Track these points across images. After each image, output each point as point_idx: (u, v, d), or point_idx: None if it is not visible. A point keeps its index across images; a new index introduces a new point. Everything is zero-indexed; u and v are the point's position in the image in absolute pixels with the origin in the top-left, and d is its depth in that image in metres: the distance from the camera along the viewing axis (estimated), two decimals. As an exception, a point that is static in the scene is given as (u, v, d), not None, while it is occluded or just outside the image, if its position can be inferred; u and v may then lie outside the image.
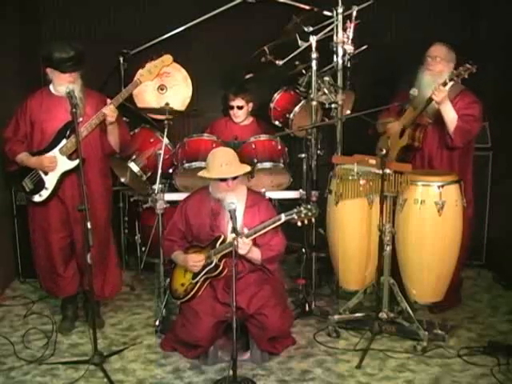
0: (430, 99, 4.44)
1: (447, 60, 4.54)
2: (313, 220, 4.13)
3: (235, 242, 3.83)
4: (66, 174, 4.36)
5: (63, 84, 4.24)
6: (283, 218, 4.06)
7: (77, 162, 4.19)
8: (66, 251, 4.51)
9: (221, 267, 4.12)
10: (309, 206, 4.06)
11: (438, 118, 4.56)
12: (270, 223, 4.08)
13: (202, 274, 4.18)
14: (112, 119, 4.32)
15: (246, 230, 4.07)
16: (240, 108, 5.28)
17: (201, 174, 4.21)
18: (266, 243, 4.17)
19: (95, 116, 4.29)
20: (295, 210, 4.05)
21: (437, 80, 4.47)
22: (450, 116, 4.49)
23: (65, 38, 5.29)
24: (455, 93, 4.55)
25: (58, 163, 4.33)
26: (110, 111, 4.29)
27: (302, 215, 4.03)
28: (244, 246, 4.02)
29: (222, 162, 4.11)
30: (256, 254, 4.15)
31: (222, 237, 4.12)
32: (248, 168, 4.26)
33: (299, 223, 4.09)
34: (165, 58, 4.48)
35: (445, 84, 4.38)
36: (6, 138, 4.41)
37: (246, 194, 4.26)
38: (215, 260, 4.13)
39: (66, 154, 4.32)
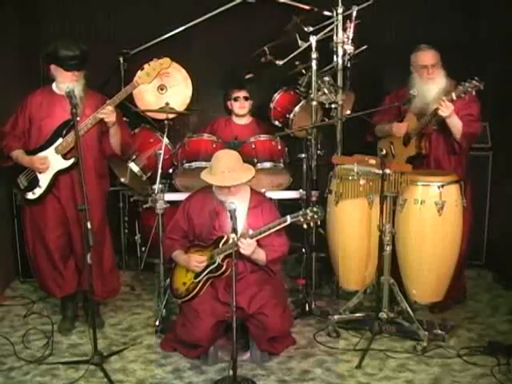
0: (436, 113, 4.40)
1: (440, 63, 4.54)
2: (318, 222, 4.11)
3: (238, 242, 3.82)
4: (60, 173, 4.34)
5: (66, 82, 4.23)
6: (289, 219, 4.04)
7: (71, 161, 4.24)
8: (64, 249, 4.49)
9: (224, 267, 4.11)
10: (315, 209, 4.02)
11: (442, 125, 4.54)
12: (275, 225, 4.06)
13: (204, 273, 4.17)
14: (111, 119, 4.30)
15: (250, 231, 4.06)
16: (246, 99, 5.26)
17: (203, 176, 4.18)
18: (269, 244, 4.15)
19: (92, 116, 4.26)
20: (301, 213, 4.02)
21: (438, 87, 4.47)
22: (457, 126, 4.48)
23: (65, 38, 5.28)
24: None
25: (53, 162, 4.32)
26: (106, 113, 4.26)
27: (308, 217, 4.01)
28: (248, 247, 4.01)
29: (225, 169, 4.08)
30: (261, 255, 4.14)
31: (225, 237, 4.09)
32: (251, 174, 4.20)
33: (305, 225, 4.07)
34: (163, 61, 4.46)
35: (451, 100, 4.33)
36: (3, 132, 4.40)
37: (250, 195, 4.26)
38: (218, 260, 4.13)
39: (61, 152, 4.31)
